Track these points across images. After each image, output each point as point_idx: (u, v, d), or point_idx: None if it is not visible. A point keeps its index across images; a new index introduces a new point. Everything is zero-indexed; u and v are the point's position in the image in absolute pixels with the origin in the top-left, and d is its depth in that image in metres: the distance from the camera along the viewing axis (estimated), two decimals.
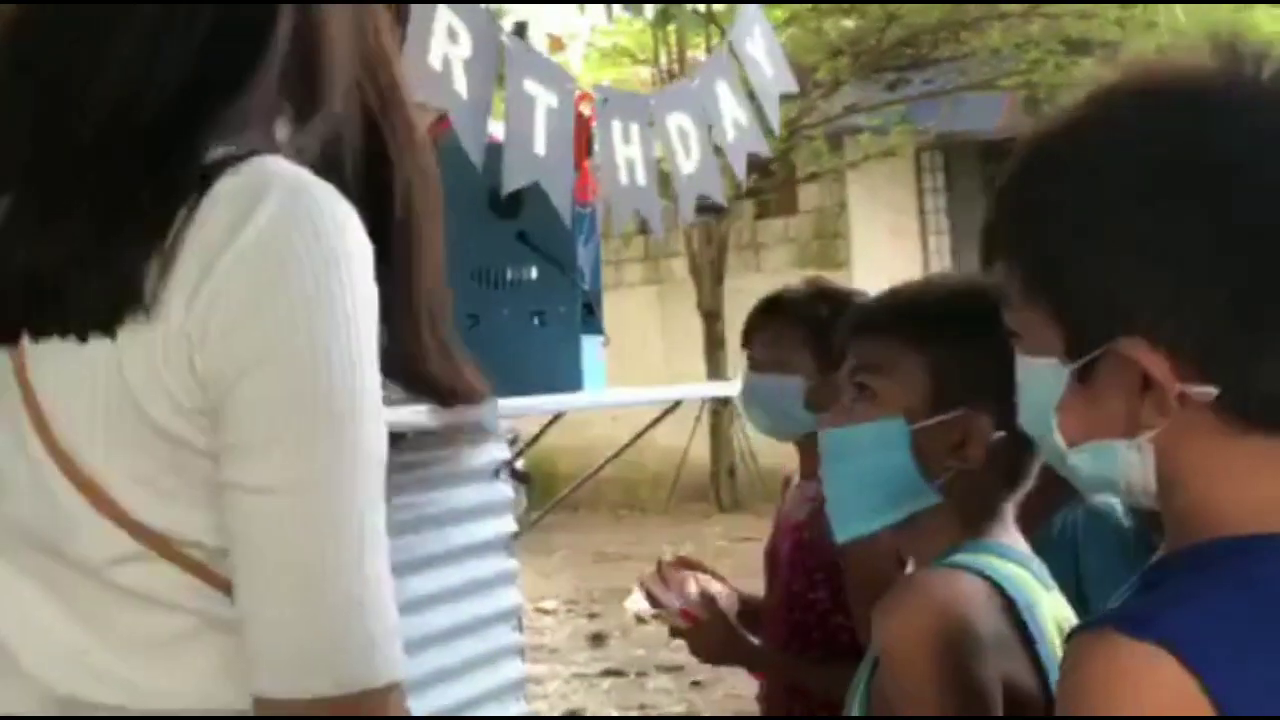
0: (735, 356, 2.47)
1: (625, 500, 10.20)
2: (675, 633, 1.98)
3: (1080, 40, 8.14)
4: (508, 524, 2.85)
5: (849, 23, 9.02)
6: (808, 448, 1.96)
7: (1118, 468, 0.79)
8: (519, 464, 9.10)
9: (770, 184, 9.50)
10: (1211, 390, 0.74)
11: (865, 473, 1.24)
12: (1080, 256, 0.78)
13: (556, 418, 2.76)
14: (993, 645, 1.11)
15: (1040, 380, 0.81)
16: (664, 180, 2.19)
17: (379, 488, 0.80)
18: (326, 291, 0.78)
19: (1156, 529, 0.83)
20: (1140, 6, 7.99)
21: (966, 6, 8.47)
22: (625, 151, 2.05)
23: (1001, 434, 1.16)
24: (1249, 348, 0.74)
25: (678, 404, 2.62)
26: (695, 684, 5.24)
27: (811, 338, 1.96)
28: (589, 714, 5.06)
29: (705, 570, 2.05)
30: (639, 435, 2.72)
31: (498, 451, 2.78)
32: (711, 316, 9.55)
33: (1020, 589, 1.16)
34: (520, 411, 2.01)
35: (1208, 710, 0.67)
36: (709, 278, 9.69)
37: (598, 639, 6.08)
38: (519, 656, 2.91)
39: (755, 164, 9.12)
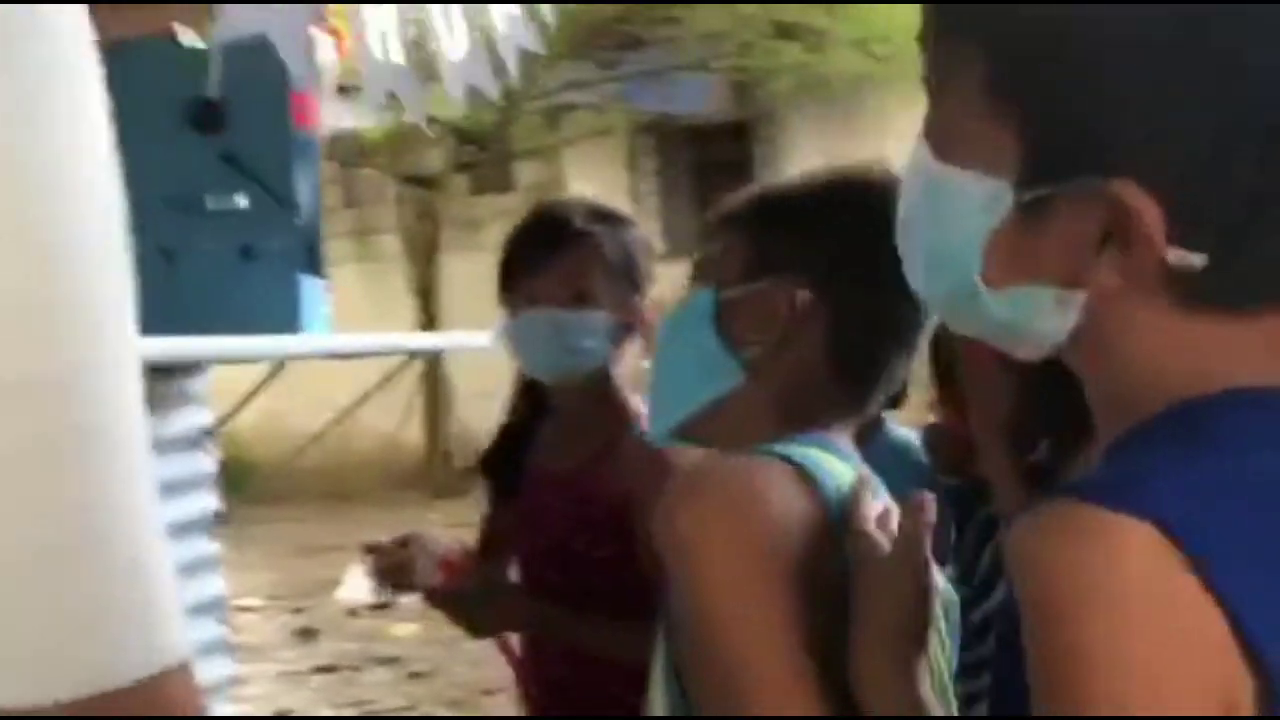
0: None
1: (332, 489, 9.72)
2: (432, 597, 1.67)
3: (790, 25, 8.31)
4: (209, 501, 2.50)
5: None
6: (587, 388, 1.74)
7: (1034, 321, 0.67)
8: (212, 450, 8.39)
9: (487, 158, 9.26)
10: (1197, 260, 0.62)
11: (676, 354, 1.15)
12: (1078, 62, 0.62)
13: (272, 375, 2.43)
14: (800, 541, 0.94)
15: (970, 200, 0.67)
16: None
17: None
18: None
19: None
20: None
21: None
22: (379, 24, 1.77)
23: (825, 311, 1.06)
24: (1247, 217, 0.63)
25: (410, 358, 2.35)
26: (414, 676, 4.96)
27: (610, 265, 1.71)
28: (299, 713, 4.69)
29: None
30: (357, 404, 2.41)
31: (197, 417, 2.42)
32: (425, 295, 9.21)
33: (839, 483, 0.98)
34: (230, 356, 1.71)
35: (1194, 586, 0.58)
36: (422, 255, 9.35)
37: (306, 634, 5.69)
38: (226, 653, 2.56)
39: (470, 137, 8.78)
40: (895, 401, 1.47)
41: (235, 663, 4.32)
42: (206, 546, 2.46)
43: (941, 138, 0.68)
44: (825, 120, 8.88)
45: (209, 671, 2.45)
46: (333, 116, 9.26)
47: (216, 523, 2.47)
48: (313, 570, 6.77)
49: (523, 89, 8.73)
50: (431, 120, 9.14)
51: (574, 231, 1.72)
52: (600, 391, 1.74)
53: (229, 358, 1.79)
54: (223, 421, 2.43)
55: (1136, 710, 0.57)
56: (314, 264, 2.11)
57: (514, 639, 1.77)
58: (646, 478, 1.56)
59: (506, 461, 1.81)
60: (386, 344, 2.36)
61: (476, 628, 1.71)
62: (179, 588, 2.03)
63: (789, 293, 1.06)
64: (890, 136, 10.35)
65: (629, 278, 1.72)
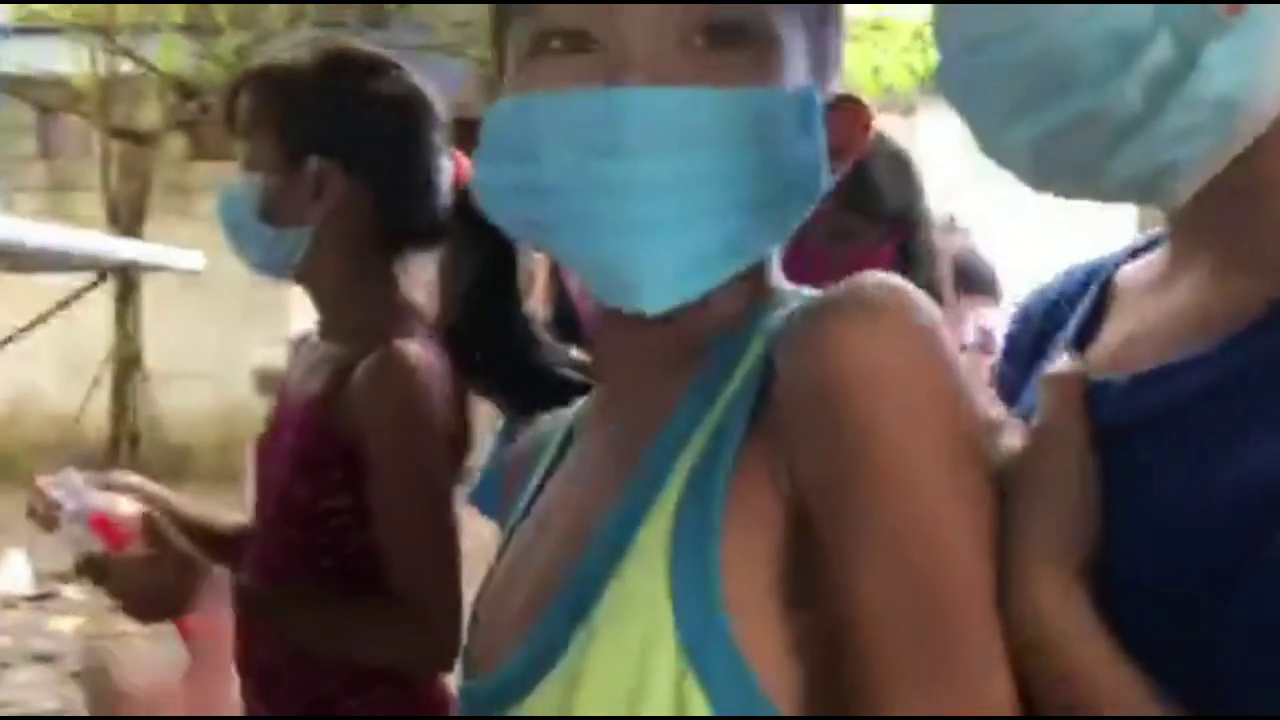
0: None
1: (1, 471, 8.75)
2: (89, 570, 1.25)
3: None
4: None
5: None
6: (327, 290, 1.41)
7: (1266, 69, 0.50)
8: None
9: (208, 120, 8.59)
10: None
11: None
12: None
13: None
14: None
15: None
16: None
17: None
18: None
19: None
20: None
21: None
22: None
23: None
24: None
25: (100, 279, 1.92)
26: (76, 675, 4.37)
27: (279, 115, 1.37)
28: None
29: (143, 490, 1.40)
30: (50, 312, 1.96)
31: None
32: None
33: None
34: None
35: None
36: (127, 218, 8.56)
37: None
38: None
39: (194, 94, 8.21)
40: None
41: None
42: None
43: None
44: None
45: None
46: (34, 56, 8.45)
47: None
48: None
49: (254, 47, 8.17)
50: (150, 70, 8.45)
51: (264, 70, 1.44)
52: (322, 299, 1.44)
53: None
54: None
55: None
56: None
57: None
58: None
59: None
60: (71, 241, 1.92)
61: (142, 609, 1.26)
62: None
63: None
64: None
65: None
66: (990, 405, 0.62)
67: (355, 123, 1.36)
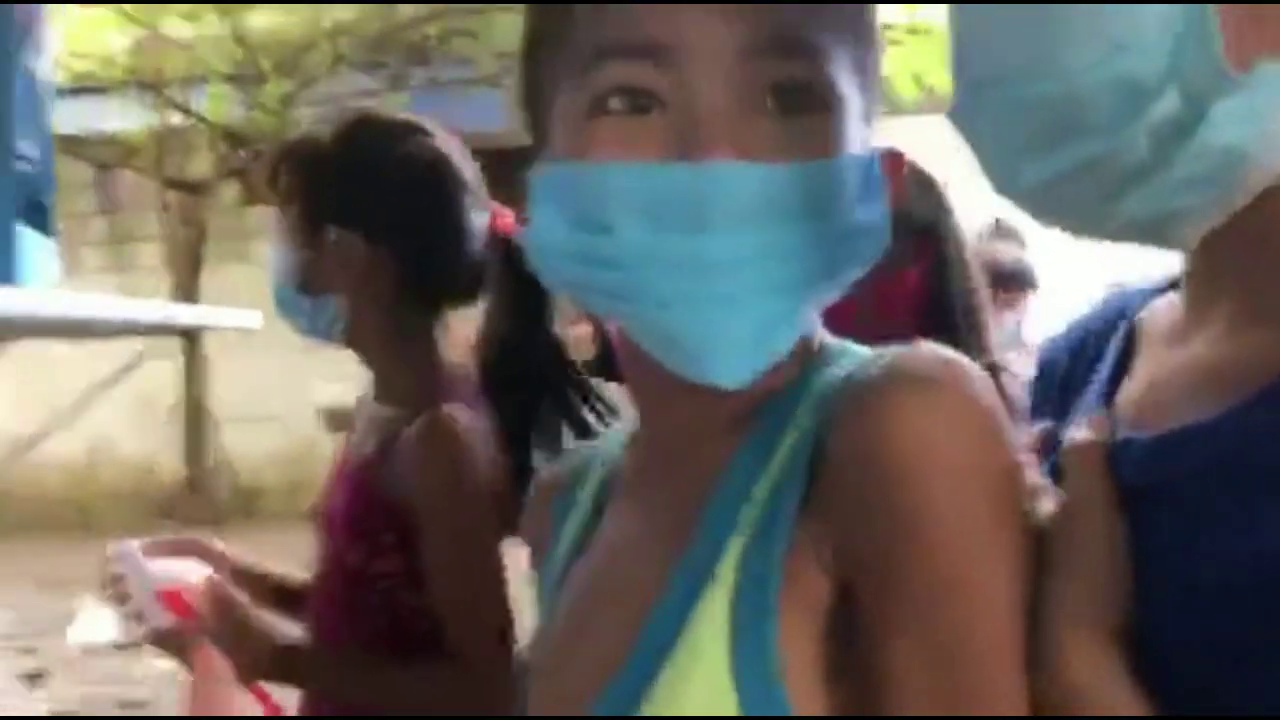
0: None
1: (79, 521, 8.93)
2: (160, 644, 1.30)
3: None
4: None
5: (348, 11, 8.54)
6: (373, 354, 1.45)
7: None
8: None
9: (259, 166, 8.75)
10: None
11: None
12: None
13: None
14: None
15: None
16: None
17: None
18: None
19: None
20: None
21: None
22: None
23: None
24: None
25: (188, 338, 1.99)
26: None
27: (305, 190, 1.43)
28: None
29: (206, 551, 1.45)
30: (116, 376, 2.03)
31: None
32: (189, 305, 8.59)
33: None
34: None
35: None
36: (186, 265, 8.72)
37: (35, 677, 5.08)
38: None
39: (244, 142, 8.34)
40: None
41: None
42: None
43: None
44: None
45: None
46: (91, 117, 8.64)
47: None
48: (50, 606, 6.13)
49: (298, 93, 8.30)
50: (200, 122, 8.62)
51: (298, 145, 1.51)
52: (372, 361, 1.47)
53: None
54: None
55: None
56: (40, 219, 1.75)
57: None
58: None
59: None
60: (133, 312, 1.98)
61: (213, 676, 1.32)
62: None
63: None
64: None
65: None
66: (1030, 469, 0.63)
67: (371, 191, 1.39)
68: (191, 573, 1.32)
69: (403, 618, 1.36)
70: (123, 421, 8.99)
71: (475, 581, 1.30)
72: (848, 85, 0.64)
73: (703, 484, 0.64)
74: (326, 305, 1.41)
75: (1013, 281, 3.08)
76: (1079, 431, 0.62)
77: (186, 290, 8.68)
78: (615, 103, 0.62)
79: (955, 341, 1.49)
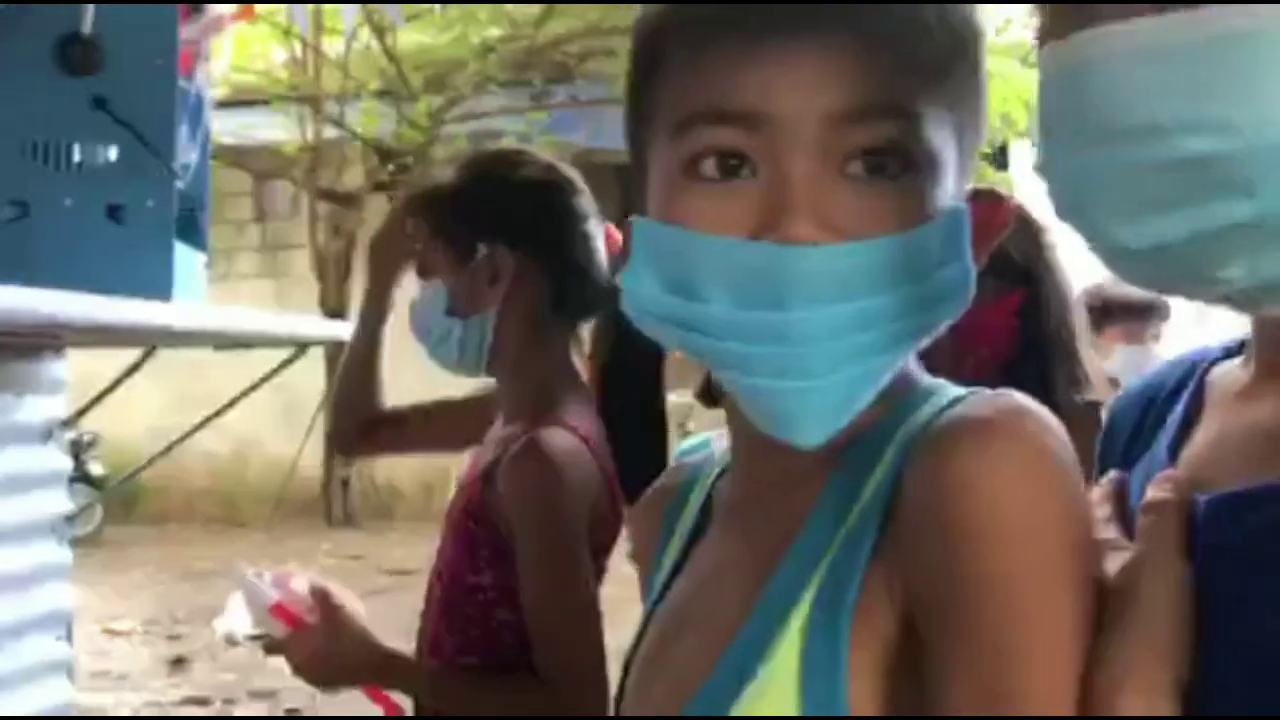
0: None
1: (223, 514, 9.30)
2: (273, 648, 1.39)
3: None
4: (60, 501, 2.22)
5: (496, 30, 8.75)
6: (509, 372, 1.52)
7: None
8: (92, 466, 7.95)
9: (406, 178, 9.02)
10: None
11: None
12: None
13: (138, 365, 2.16)
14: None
15: None
16: None
17: None
18: None
19: None
20: None
21: (615, 19, 8.39)
22: None
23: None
24: None
25: (298, 353, 2.11)
26: (291, 712, 4.63)
27: (444, 225, 1.52)
28: None
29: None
30: (253, 387, 2.16)
31: (48, 406, 2.15)
32: (336, 317, 8.89)
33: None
34: (83, 322, 1.45)
35: None
36: (334, 274, 9.03)
37: (179, 663, 5.32)
38: (64, 674, 2.27)
39: (392, 156, 8.58)
40: None
41: (91, 694, 3.95)
42: (54, 553, 2.19)
43: None
44: None
45: (40, 694, 2.16)
46: (247, 127, 8.96)
47: (70, 528, 2.19)
48: (193, 596, 6.40)
49: (446, 110, 8.52)
50: (353, 136, 8.93)
51: (432, 187, 1.62)
52: (504, 379, 1.53)
53: (83, 322, 1.52)
54: (81, 412, 2.16)
55: None
56: (194, 234, 1.87)
57: None
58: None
59: None
60: (277, 327, 2.11)
61: (322, 681, 1.41)
62: (16, 598, 1.69)
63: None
64: None
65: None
66: (1102, 523, 0.63)
67: (511, 206, 1.49)
68: (299, 585, 1.39)
69: (497, 632, 1.42)
70: (268, 423, 9.33)
71: (561, 608, 1.34)
72: (942, 143, 0.64)
73: (791, 521, 0.66)
74: (477, 326, 1.48)
75: (1144, 312, 3.02)
76: (1157, 489, 0.62)
77: (335, 298, 8.98)
78: (707, 166, 0.63)
79: (1050, 376, 1.49)
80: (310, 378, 8.92)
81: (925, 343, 0.67)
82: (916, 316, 0.64)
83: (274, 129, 8.99)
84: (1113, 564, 0.60)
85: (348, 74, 8.54)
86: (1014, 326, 1.45)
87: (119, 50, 1.66)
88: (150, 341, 2.00)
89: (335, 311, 8.95)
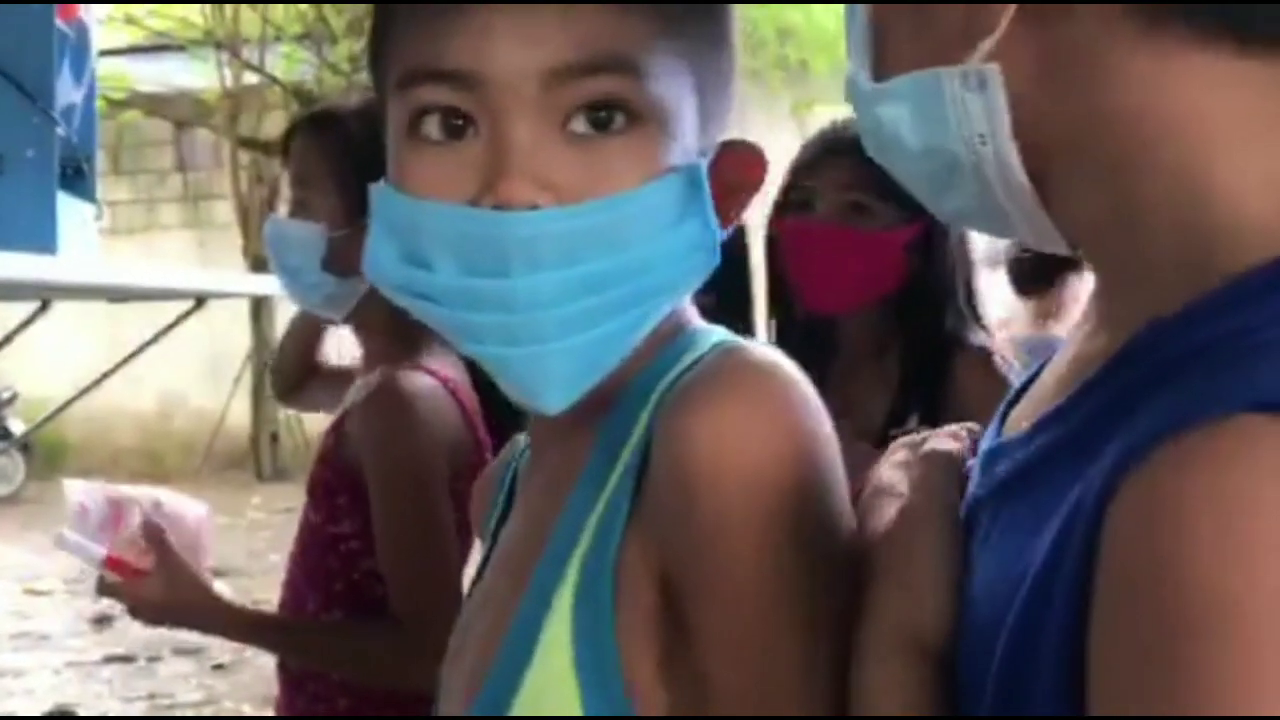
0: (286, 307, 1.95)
1: (149, 470, 9.17)
2: (106, 591, 1.37)
3: None
4: None
5: None
6: (364, 326, 1.46)
7: (949, 124, 0.51)
8: (11, 423, 7.80)
9: None
10: None
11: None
12: None
13: (34, 318, 2.09)
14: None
15: None
16: None
17: None
18: None
19: None
20: None
21: None
22: None
23: None
24: None
25: (197, 304, 2.04)
26: (218, 668, 4.59)
27: (339, 168, 1.40)
28: (82, 708, 4.28)
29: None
30: (167, 330, 2.07)
31: None
32: (260, 264, 8.74)
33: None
34: None
35: None
36: (257, 223, 8.87)
37: (102, 622, 5.25)
38: None
39: (313, 101, 8.46)
40: None
41: (9, 655, 3.88)
42: None
43: None
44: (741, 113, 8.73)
45: None
46: (167, 74, 8.74)
47: None
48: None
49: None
50: (273, 81, 8.74)
51: (324, 115, 1.50)
52: (366, 330, 1.46)
53: None
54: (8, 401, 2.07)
55: None
56: (81, 186, 1.80)
57: None
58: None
59: None
60: (164, 281, 2.05)
61: (159, 624, 1.41)
62: None
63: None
64: (751, 132, 10.28)
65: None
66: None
67: None
68: (134, 519, 1.36)
69: (358, 581, 1.38)
70: (193, 376, 9.19)
71: (418, 546, 1.30)
72: (677, 98, 0.62)
73: (565, 485, 0.65)
74: (347, 285, 1.41)
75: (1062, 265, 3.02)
76: (937, 442, 0.61)
77: (258, 246, 8.84)
78: (430, 125, 0.62)
79: (939, 314, 1.47)
80: (236, 330, 8.82)
81: (676, 300, 0.65)
82: (654, 275, 0.62)
83: (193, 75, 8.77)
84: (889, 511, 0.58)
85: (266, 18, 8.32)
86: (902, 259, 1.42)
87: None
88: (39, 296, 1.94)
89: (259, 261, 8.81)
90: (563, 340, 0.61)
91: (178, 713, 4.28)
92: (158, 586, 1.33)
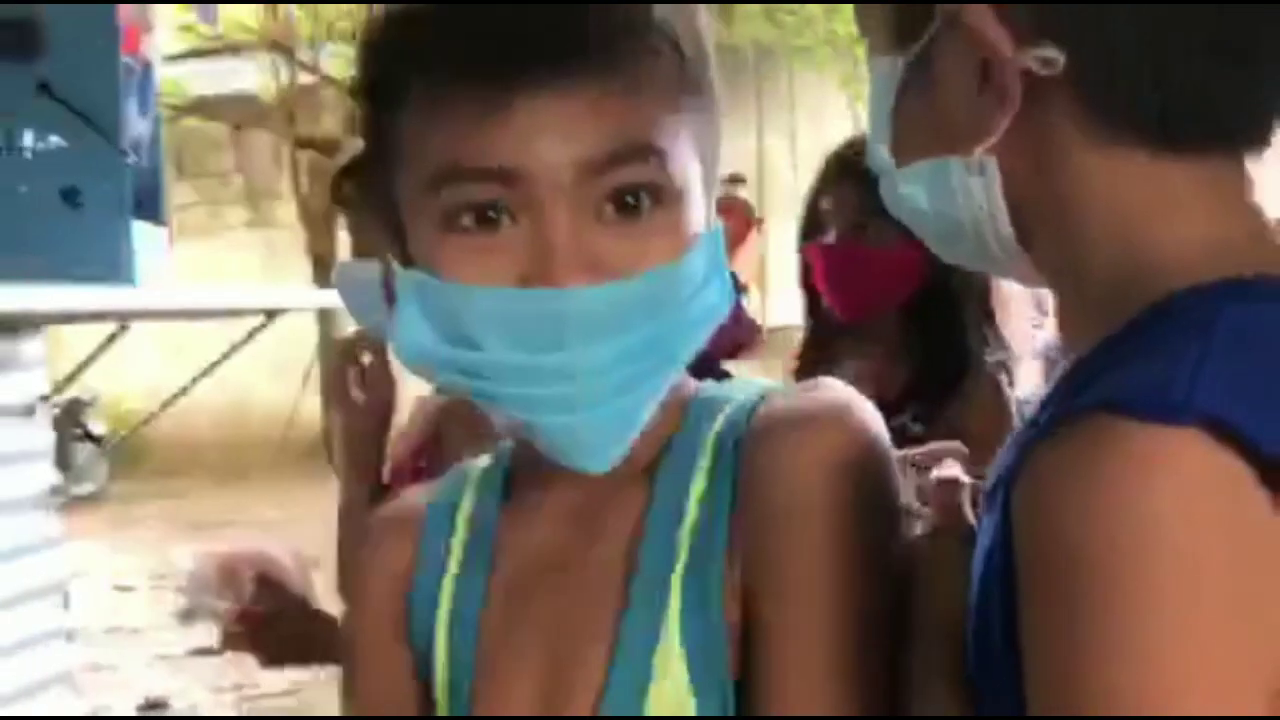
0: None
1: (226, 465, 9.38)
2: (230, 642, 1.43)
3: None
4: (46, 474, 2.27)
5: None
6: None
7: (957, 198, 0.64)
8: (93, 424, 7.97)
9: None
10: (1054, 54, 0.59)
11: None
12: None
13: (114, 338, 2.20)
14: None
15: (880, 83, 0.66)
16: None
17: None
18: None
19: None
20: None
21: None
22: None
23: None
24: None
25: (268, 318, 2.13)
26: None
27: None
28: (173, 700, 4.44)
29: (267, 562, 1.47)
30: (228, 354, 2.18)
31: (32, 383, 2.20)
32: (323, 262, 8.89)
33: None
34: (54, 310, 1.48)
35: (1265, 502, 0.51)
36: (317, 220, 9.01)
37: (188, 616, 5.41)
38: (66, 640, 2.34)
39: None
40: None
41: (101, 650, 4.04)
42: (44, 524, 2.24)
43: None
44: (735, 89, 8.75)
45: (45, 661, 2.23)
46: (226, 78, 8.87)
47: (55, 496, 2.24)
48: (203, 548, 6.45)
49: None
50: (329, 81, 8.85)
51: None
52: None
53: (51, 313, 1.56)
54: (58, 389, 2.20)
55: (1213, 690, 0.50)
56: (152, 208, 1.89)
57: None
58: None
59: None
60: (235, 301, 2.15)
61: (279, 661, 1.47)
62: (10, 572, 1.75)
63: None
64: (800, 107, 10.25)
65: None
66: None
67: None
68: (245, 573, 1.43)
69: None
70: (265, 373, 9.38)
71: None
72: (690, 170, 0.68)
73: (623, 525, 0.72)
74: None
75: None
76: (946, 468, 0.71)
77: (323, 244, 8.97)
78: (466, 219, 0.66)
79: (957, 328, 1.52)
80: (302, 327, 8.97)
81: (696, 354, 0.72)
82: (685, 335, 0.69)
83: (248, 78, 8.92)
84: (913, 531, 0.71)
85: (316, 18, 8.44)
86: (912, 273, 1.50)
87: (60, 32, 1.68)
88: (121, 319, 2.04)
89: (323, 257, 8.96)
90: (614, 403, 0.67)
91: (264, 703, 4.42)
92: (286, 627, 1.39)
